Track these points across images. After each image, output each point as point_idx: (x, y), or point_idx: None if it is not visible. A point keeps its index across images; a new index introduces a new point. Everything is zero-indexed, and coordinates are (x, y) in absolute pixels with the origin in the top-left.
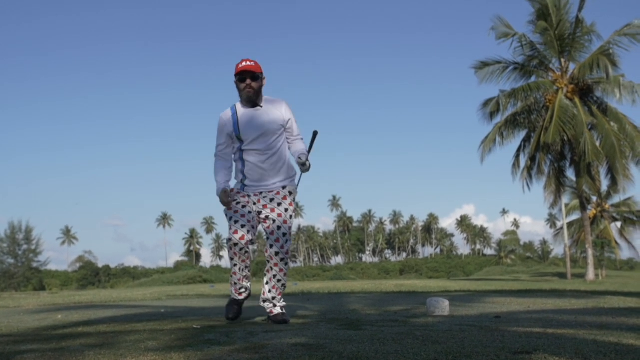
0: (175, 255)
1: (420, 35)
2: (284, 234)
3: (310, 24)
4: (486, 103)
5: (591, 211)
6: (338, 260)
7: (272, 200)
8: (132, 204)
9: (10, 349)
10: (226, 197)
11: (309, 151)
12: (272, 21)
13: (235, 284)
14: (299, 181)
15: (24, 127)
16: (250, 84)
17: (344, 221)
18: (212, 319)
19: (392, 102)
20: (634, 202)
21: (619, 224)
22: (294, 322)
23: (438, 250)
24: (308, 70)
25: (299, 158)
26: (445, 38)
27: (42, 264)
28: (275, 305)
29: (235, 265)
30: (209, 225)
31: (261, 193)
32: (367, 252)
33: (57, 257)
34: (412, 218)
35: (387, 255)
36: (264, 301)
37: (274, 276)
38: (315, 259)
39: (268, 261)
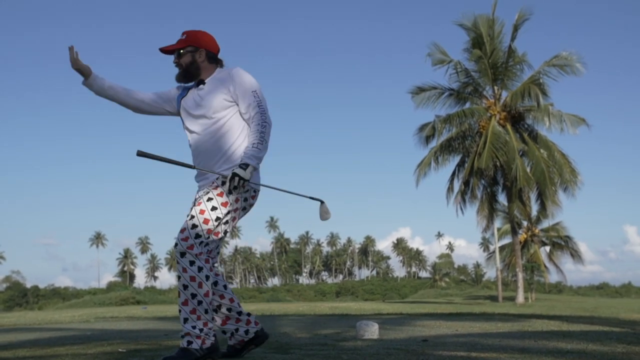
0: (108, 276)
1: (358, 59)
2: (194, 226)
3: (246, 47)
4: (422, 127)
5: (522, 235)
6: (275, 281)
7: (204, 192)
8: (64, 222)
9: None
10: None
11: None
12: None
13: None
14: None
15: None
16: (176, 61)
17: (281, 242)
18: (140, 342)
19: (329, 123)
20: (562, 227)
21: (547, 248)
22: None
23: (374, 272)
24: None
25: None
26: (383, 62)
27: None
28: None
29: None
30: (144, 245)
31: (202, 187)
32: (304, 274)
33: None
34: (349, 240)
35: (324, 277)
36: None
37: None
38: (252, 281)
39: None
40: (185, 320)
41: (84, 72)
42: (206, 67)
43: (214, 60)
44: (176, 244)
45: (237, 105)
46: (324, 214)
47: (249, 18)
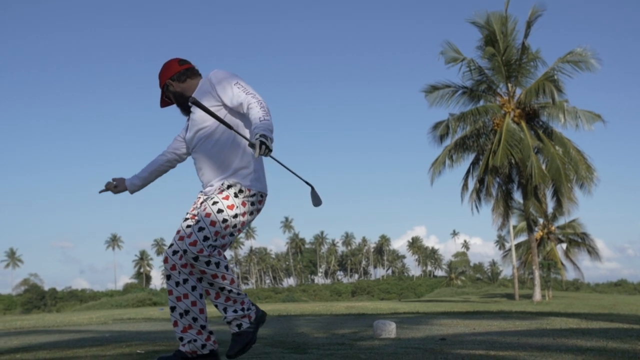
0: (124, 278)
1: (371, 58)
2: (200, 229)
3: (264, 47)
4: (436, 126)
5: (538, 233)
6: (290, 282)
7: (209, 197)
8: (81, 225)
9: None
10: (108, 184)
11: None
12: (231, 44)
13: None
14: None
15: None
16: (172, 103)
17: (296, 242)
18: (157, 344)
19: (343, 124)
20: (578, 224)
21: (564, 245)
22: None
23: (390, 271)
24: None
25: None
26: (396, 61)
27: None
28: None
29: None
30: (159, 246)
31: (206, 194)
32: (319, 274)
33: (0, 281)
34: (364, 239)
35: (339, 277)
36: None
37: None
38: (267, 281)
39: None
40: (225, 309)
41: (123, 189)
42: (187, 87)
43: (187, 77)
44: (185, 251)
45: (224, 105)
46: (317, 200)
47: (260, 18)
